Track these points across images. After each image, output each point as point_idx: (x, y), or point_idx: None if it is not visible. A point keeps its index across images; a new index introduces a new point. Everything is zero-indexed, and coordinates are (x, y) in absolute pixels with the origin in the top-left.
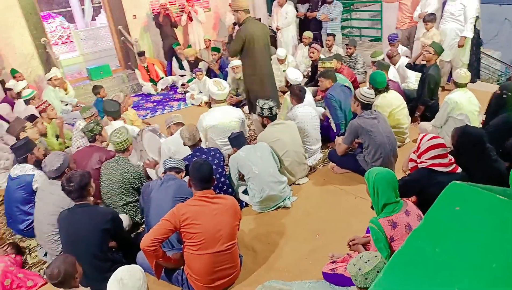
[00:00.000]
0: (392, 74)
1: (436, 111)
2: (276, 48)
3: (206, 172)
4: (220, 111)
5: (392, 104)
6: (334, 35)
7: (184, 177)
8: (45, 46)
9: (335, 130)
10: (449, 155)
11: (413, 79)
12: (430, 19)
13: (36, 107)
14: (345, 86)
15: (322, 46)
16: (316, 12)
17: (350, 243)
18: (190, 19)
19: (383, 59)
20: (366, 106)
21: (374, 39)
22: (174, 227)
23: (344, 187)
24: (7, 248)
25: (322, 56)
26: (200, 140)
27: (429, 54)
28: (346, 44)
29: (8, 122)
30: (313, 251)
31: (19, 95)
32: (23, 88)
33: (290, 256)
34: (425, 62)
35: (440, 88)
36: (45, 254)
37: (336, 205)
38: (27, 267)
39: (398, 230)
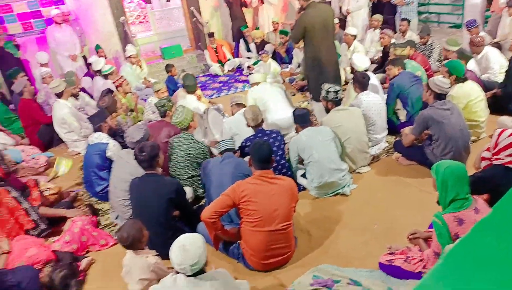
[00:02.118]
0: (472, 64)
1: None
2: None
3: (266, 152)
4: (262, 84)
5: (469, 95)
6: (408, 20)
7: (240, 156)
8: (124, 24)
9: (404, 119)
10: None
11: (496, 70)
12: None
13: (113, 82)
14: (413, 74)
15: (395, 32)
16: None
17: (411, 237)
18: (262, 1)
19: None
20: (440, 96)
21: (453, 25)
22: (233, 203)
23: (408, 180)
24: (84, 209)
25: (395, 41)
26: (262, 121)
27: None
28: (419, 34)
29: (89, 94)
30: (369, 240)
31: (97, 71)
32: (102, 66)
33: (345, 243)
34: None
35: None
36: (117, 217)
37: (397, 197)
38: (100, 227)
39: (465, 228)
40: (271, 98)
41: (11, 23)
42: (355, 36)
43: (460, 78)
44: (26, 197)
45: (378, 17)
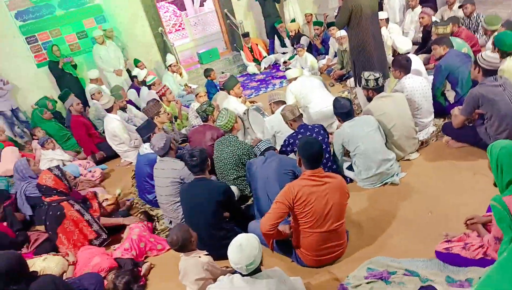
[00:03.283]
0: None
1: None
2: None
3: (317, 150)
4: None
5: None
6: None
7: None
8: (162, 35)
9: (452, 100)
10: None
11: None
12: None
13: (157, 92)
14: (462, 52)
15: (435, 10)
16: None
17: (468, 222)
18: None
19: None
20: (489, 72)
21: None
22: (288, 208)
23: (461, 163)
24: (140, 216)
25: (437, 20)
26: (301, 115)
27: None
28: (461, 5)
29: (136, 106)
30: (423, 229)
31: (143, 82)
32: (145, 76)
33: (398, 234)
34: None
35: None
36: (170, 222)
37: (451, 182)
38: (156, 232)
39: None
40: (310, 91)
41: (60, 45)
42: (387, 19)
43: (507, 52)
44: (87, 209)
45: None
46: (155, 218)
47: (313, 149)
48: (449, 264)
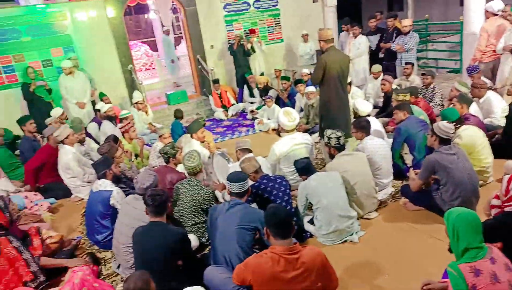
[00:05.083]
0: (473, 108)
1: None
2: None
3: (284, 215)
4: (290, 138)
5: (474, 141)
6: (412, 64)
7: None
8: (131, 72)
9: (410, 164)
10: None
11: (498, 115)
12: None
13: (120, 128)
14: (420, 119)
15: (395, 77)
16: (390, 43)
17: (424, 288)
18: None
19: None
20: (445, 141)
21: (451, 70)
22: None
23: (417, 226)
24: (86, 257)
25: (397, 87)
26: (260, 168)
27: None
28: (423, 74)
29: (95, 140)
30: None
31: (106, 117)
32: (108, 110)
33: None
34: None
35: None
36: (118, 267)
37: (407, 244)
38: (101, 277)
39: (482, 279)
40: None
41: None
42: (350, 82)
43: (453, 121)
44: (27, 246)
45: (377, 68)
46: (102, 261)
47: (279, 214)
48: None
